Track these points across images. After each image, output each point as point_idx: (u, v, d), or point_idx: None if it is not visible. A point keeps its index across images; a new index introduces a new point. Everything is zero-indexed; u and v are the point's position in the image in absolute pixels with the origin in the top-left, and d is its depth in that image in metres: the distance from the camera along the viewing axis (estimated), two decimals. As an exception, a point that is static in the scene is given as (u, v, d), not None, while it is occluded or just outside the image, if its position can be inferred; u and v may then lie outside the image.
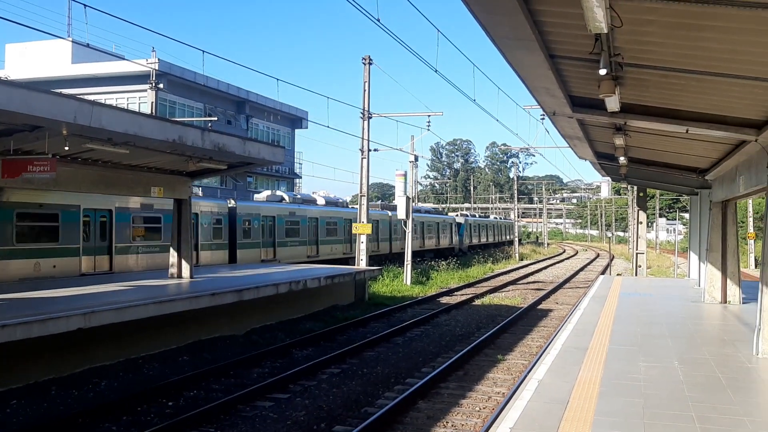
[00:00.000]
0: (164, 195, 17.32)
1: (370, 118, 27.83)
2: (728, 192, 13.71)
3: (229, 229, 25.24)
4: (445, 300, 24.63)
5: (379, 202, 51.71)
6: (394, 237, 40.10)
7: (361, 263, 27.48)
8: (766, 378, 8.78)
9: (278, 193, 32.03)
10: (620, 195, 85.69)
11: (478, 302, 24.02)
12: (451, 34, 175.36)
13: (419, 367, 13.19)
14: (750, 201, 43.69)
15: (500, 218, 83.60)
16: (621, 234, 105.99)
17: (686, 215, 57.73)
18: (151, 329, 13.46)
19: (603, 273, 39.28)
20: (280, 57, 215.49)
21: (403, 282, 29.08)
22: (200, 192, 27.29)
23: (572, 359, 9.60)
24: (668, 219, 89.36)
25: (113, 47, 67.44)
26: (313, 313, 19.71)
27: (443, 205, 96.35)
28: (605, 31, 5.46)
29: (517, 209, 78.20)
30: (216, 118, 37.87)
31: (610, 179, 32.37)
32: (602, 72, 6.72)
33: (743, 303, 15.87)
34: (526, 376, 9.34)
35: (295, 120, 55.92)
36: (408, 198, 30.90)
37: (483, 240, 64.14)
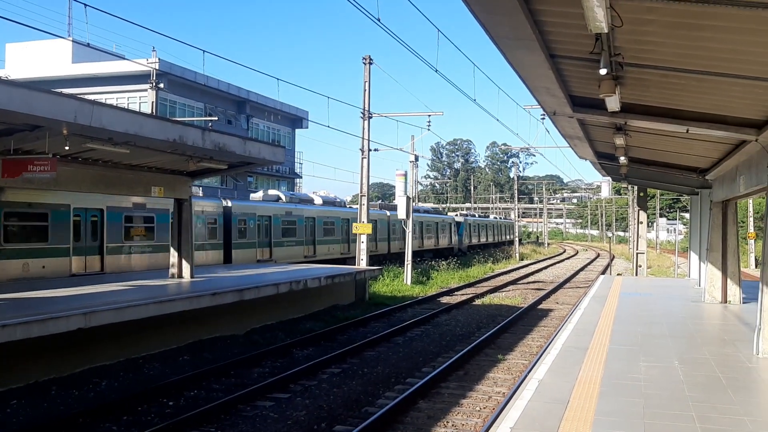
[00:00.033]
0: (164, 195, 17.31)
1: (370, 117, 27.83)
2: (729, 192, 13.71)
3: (224, 228, 25.04)
4: (445, 300, 24.63)
5: (378, 201, 51.62)
6: (393, 237, 39.97)
7: (362, 263, 27.48)
8: (766, 378, 8.77)
9: (274, 192, 31.89)
10: (620, 195, 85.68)
11: (478, 302, 24.02)
12: (452, 33, 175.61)
13: (420, 366, 13.19)
14: (750, 201, 43.69)
15: (500, 218, 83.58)
16: (621, 234, 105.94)
17: (686, 215, 57.70)
18: (151, 329, 13.46)
19: (603, 273, 39.28)
20: (280, 57, 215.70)
21: (403, 282, 29.07)
22: (200, 192, 27.18)
23: (573, 359, 9.60)
24: (669, 219, 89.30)
25: (114, 47, 67.38)
26: (314, 312, 19.71)
27: (443, 205, 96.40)
28: (605, 30, 5.46)
29: (518, 209, 78.20)
30: (216, 118, 37.84)
31: (610, 179, 32.39)
32: (602, 72, 6.72)
33: (743, 303, 15.87)
34: (526, 376, 9.34)
35: (296, 120, 55.93)
36: (408, 198, 30.88)
37: (483, 240, 64.04)
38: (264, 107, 50.05)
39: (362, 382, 11.87)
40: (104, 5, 38.91)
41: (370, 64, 27.54)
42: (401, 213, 29.93)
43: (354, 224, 28.40)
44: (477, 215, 72.97)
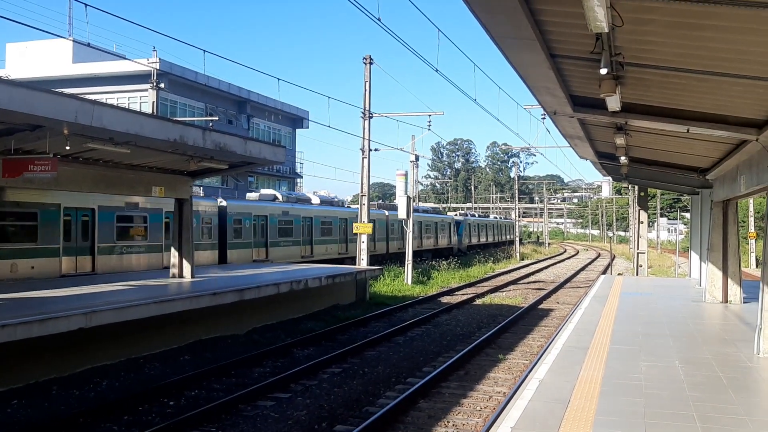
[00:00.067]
0: (165, 195, 17.31)
1: (371, 117, 27.83)
2: (729, 191, 13.71)
3: (219, 228, 24.81)
4: (446, 299, 24.63)
5: (376, 201, 51.55)
6: (391, 237, 39.80)
7: (362, 263, 27.48)
8: (767, 377, 8.77)
9: (271, 192, 31.69)
10: (621, 194, 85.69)
11: (479, 302, 24.02)
12: (452, 33, 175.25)
13: (420, 366, 13.19)
14: (751, 200, 43.71)
15: (500, 218, 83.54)
16: (622, 234, 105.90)
17: (687, 215, 57.70)
18: (152, 329, 13.46)
19: (604, 273, 39.27)
20: (281, 57, 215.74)
21: (403, 282, 29.07)
22: (201, 192, 27.10)
23: (573, 359, 9.60)
24: (669, 218, 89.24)
25: (114, 47, 67.46)
26: (314, 312, 19.71)
27: (444, 205, 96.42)
28: (606, 30, 5.45)
29: (518, 209, 78.19)
30: (217, 118, 37.87)
31: (611, 179, 32.38)
32: (603, 71, 6.71)
33: (744, 302, 15.87)
34: (527, 376, 9.34)
35: (296, 120, 55.97)
36: (409, 198, 30.86)
37: (483, 240, 63.94)
38: (265, 107, 50.09)
39: (363, 381, 11.87)
40: (105, 5, 38.97)
41: (371, 64, 27.54)
42: (402, 213, 29.89)
43: (354, 224, 28.36)
44: (477, 215, 72.93)
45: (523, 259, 55.50)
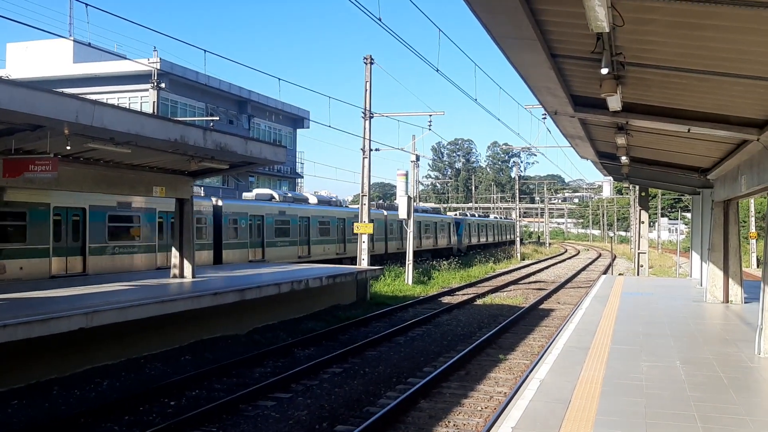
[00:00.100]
0: (166, 194, 17.30)
1: (371, 117, 27.83)
2: (730, 191, 13.70)
3: (214, 228, 24.55)
4: (446, 300, 24.63)
5: (375, 201, 51.49)
6: (390, 237, 39.59)
7: (363, 263, 27.48)
8: (768, 378, 8.77)
9: (267, 191, 31.46)
10: (622, 194, 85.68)
11: (479, 302, 24.01)
12: (453, 33, 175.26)
13: (421, 366, 13.19)
14: (752, 200, 43.70)
15: (501, 218, 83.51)
16: (623, 234, 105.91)
17: (688, 215, 57.66)
18: (153, 329, 13.46)
19: (605, 273, 39.26)
20: (281, 57, 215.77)
21: (404, 282, 29.07)
22: (202, 192, 27.03)
23: (574, 359, 9.60)
24: (670, 218, 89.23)
25: (115, 47, 67.60)
26: (315, 312, 19.71)
27: (444, 205, 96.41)
28: (607, 30, 5.44)
29: (519, 209, 78.18)
30: (218, 118, 37.90)
31: (611, 179, 32.38)
32: (604, 71, 6.70)
33: (745, 302, 15.86)
34: (528, 376, 9.34)
35: (297, 119, 55.98)
36: (410, 198, 30.86)
37: (483, 240, 63.85)
38: (265, 107, 50.10)
39: (364, 381, 11.87)
40: (105, 5, 38.96)
41: (371, 63, 27.54)
42: (402, 213, 29.88)
43: (355, 224, 28.33)
44: (477, 215, 72.90)
45: (523, 259, 55.50)
